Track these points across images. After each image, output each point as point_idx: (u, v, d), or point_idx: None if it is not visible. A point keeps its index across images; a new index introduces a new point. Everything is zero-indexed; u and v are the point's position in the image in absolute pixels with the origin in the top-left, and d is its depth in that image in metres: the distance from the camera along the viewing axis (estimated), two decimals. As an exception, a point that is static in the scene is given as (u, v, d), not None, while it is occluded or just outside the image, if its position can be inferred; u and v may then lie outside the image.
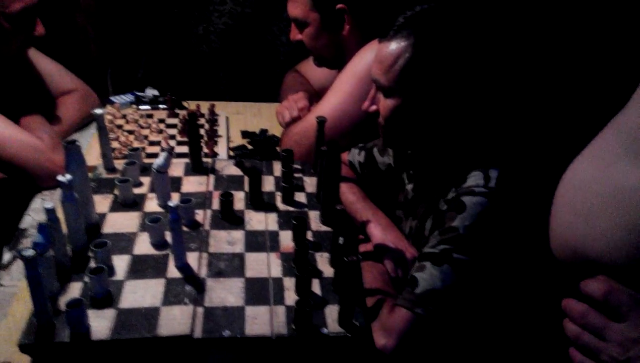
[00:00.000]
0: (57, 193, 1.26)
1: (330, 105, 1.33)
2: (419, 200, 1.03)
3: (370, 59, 1.29)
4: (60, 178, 0.86)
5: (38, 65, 1.48)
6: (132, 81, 2.51)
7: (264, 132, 1.63)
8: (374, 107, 0.98)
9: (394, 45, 0.90)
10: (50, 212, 0.84)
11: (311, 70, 1.72)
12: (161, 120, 1.60)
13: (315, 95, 1.70)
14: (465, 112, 0.92)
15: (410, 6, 0.98)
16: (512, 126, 1.07)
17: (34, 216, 1.22)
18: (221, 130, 1.60)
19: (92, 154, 1.42)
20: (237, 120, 1.73)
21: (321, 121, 1.18)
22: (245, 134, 1.63)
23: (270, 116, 1.74)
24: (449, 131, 0.94)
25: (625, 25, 1.29)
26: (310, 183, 1.19)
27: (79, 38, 2.12)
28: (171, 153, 1.03)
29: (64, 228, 0.90)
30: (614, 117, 0.61)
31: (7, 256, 1.08)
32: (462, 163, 0.92)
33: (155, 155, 1.39)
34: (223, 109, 1.74)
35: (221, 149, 1.49)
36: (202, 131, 1.52)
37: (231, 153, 1.50)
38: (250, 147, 1.55)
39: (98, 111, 1.12)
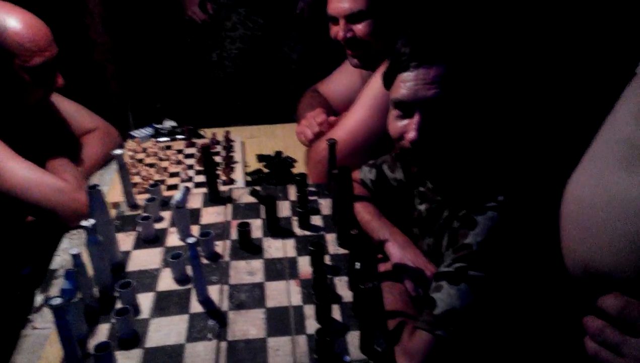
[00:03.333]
0: (84, 233, 1.31)
1: (355, 120, 1.34)
2: (433, 218, 1.03)
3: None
4: (84, 223, 0.90)
5: (58, 107, 1.53)
6: (151, 112, 2.59)
7: (278, 154, 1.66)
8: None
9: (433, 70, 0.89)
10: (76, 258, 0.87)
11: (330, 88, 1.74)
12: (179, 151, 1.64)
13: (333, 112, 1.72)
14: (484, 131, 0.92)
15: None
16: (520, 140, 1.06)
17: (63, 256, 1.26)
18: (237, 155, 1.62)
19: (116, 190, 1.46)
20: (252, 143, 1.76)
21: (332, 143, 1.19)
22: (260, 158, 1.65)
23: (285, 137, 1.76)
24: (468, 150, 0.93)
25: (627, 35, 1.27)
26: (326, 205, 1.21)
27: (97, 76, 2.20)
28: (188, 189, 1.06)
29: (90, 270, 0.94)
30: (603, 126, 0.60)
31: (39, 298, 1.12)
32: (473, 187, 0.92)
33: (175, 187, 1.42)
34: (238, 133, 1.77)
35: (238, 175, 1.52)
36: (218, 158, 1.56)
37: (248, 178, 1.52)
38: (266, 170, 1.58)
39: (118, 151, 1.16)
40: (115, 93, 2.31)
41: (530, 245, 0.86)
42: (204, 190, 1.39)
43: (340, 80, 1.74)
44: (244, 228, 1.05)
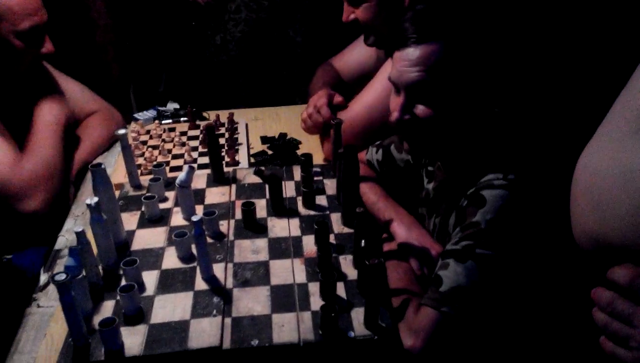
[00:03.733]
0: (88, 214, 1.31)
1: (374, 95, 1.32)
2: (440, 197, 1.02)
3: None
4: (87, 201, 0.90)
5: (63, 87, 1.53)
6: (154, 96, 2.57)
7: (282, 136, 1.64)
8: (407, 116, 0.96)
9: (422, 50, 0.87)
10: (80, 235, 0.87)
11: (343, 61, 1.71)
12: (183, 133, 1.63)
13: (344, 86, 1.69)
14: (486, 114, 0.90)
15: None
16: (528, 118, 1.04)
17: (67, 237, 1.26)
18: (241, 137, 1.62)
19: (120, 172, 1.45)
20: (257, 126, 1.75)
21: (338, 123, 1.18)
22: (264, 140, 1.64)
23: (289, 120, 1.75)
24: (471, 135, 0.92)
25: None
26: (331, 185, 1.20)
27: (99, 58, 2.18)
28: (193, 168, 1.05)
29: (95, 248, 0.93)
30: (619, 97, 0.59)
31: (43, 277, 1.12)
32: (482, 162, 0.90)
33: (179, 168, 1.42)
34: (242, 116, 1.76)
35: (242, 157, 1.51)
36: (222, 141, 1.55)
37: (252, 160, 1.52)
38: (270, 152, 1.57)
39: (121, 131, 1.16)
40: (117, 76, 2.30)
41: (539, 224, 0.85)
42: (208, 171, 1.39)
43: (354, 54, 1.71)
44: (249, 208, 1.04)
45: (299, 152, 1.54)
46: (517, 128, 0.95)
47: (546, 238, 0.86)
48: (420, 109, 0.92)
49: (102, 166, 0.96)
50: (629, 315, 0.53)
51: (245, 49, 2.45)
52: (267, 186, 1.16)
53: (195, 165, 1.44)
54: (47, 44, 1.29)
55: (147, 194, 1.11)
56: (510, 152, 0.91)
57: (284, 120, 1.78)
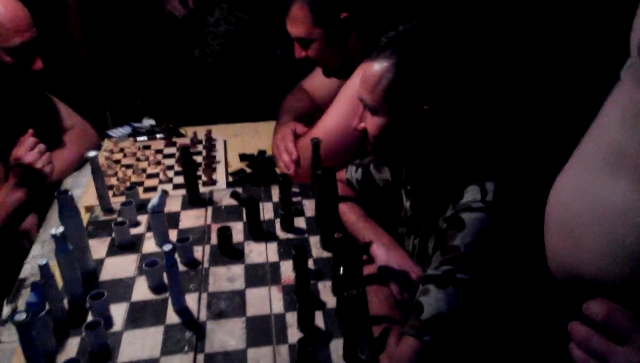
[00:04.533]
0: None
1: (332, 119, 1.31)
2: (418, 217, 1.00)
3: None
4: (52, 231, 0.85)
5: (42, 102, 1.49)
6: (130, 109, 2.52)
7: (261, 153, 1.61)
8: (362, 125, 0.96)
9: (378, 65, 0.88)
10: (44, 269, 0.82)
11: (315, 85, 1.70)
12: (159, 151, 1.58)
13: (317, 110, 1.68)
14: (453, 126, 0.89)
15: (404, 18, 0.95)
16: (504, 136, 1.03)
17: (33, 264, 1.20)
18: (219, 155, 1.58)
19: (91, 193, 1.40)
20: (235, 142, 1.71)
21: (316, 143, 1.15)
22: (243, 157, 1.60)
23: (268, 135, 1.71)
24: (439, 146, 0.91)
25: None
26: (310, 206, 1.17)
27: (75, 72, 2.12)
28: (166, 193, 1.01)
29: (60, 280, 0.89)
30: (589, 129, 0.58)
31: (6, 309, 1.07)
32: (457, 177, 0.89)
33: (154, 189, 1.37)
34: (221, 132, 1.72)
35: (220, 175, 1.47)
36: (199, 158, 1.51)
37: (230, 178, 1.48)
38: (249, 170, 1.53)
39: (91, 154, 1.11)
40: (93, 89, 2.24)
41: (517, 247, 0.84)
42: (183, 191, 1.35)
43: (321, 77, 1.70)
44: (225, 234, 1.00)
45: (278, 170, 1.51)
46: (485, 141, 0.94)
47: (524, 261, 0.84)
48: (368, 119, 0.93)
49: (69, 193, 0.91)
50: (604, 353, 0.52)
51: (224, 62, 2.42)
52: (241, 207, 1.13)
53: (168, 190, 1.39)
54: (37, 62, 1.28)
55: (118, 220, 1.07)
56: (486, 173, 0.89)
57: (264, 136, 1.75)
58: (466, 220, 0.82)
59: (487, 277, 0.80)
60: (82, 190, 1.45)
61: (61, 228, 0.86)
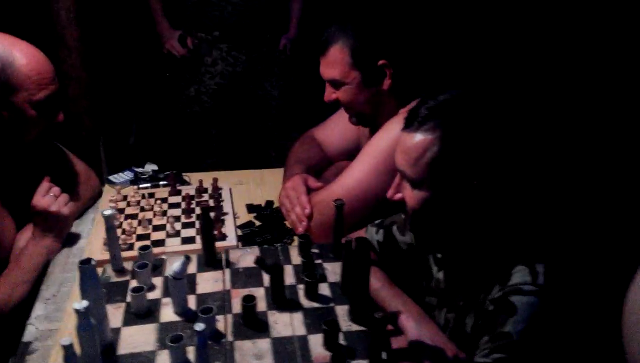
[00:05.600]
0: (60, 296, 1.19)
1: (355, 177, 1.30)
2: (454, 291, 0.98)
3: (397, 133, 1.27)
4: (76, 305, 0.80)
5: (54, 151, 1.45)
6: (124, 148, 2.47)
7: (269, 204, 1.58)
8: (399, 196, 0.94)
9: (420, 138, 0.87)
10: (68, 350, 0.77)
11: (328, 135, 1.68)
12: (163, 200, 1.53)
13: (327, 161, 1.66)
14: (501, 204, 0.88)
15: (439, 71, 0.96)
16: (553, 214, 1.03)
17: (37, 325, 1.13)
18: (226, 205, 1.54)
19: (94, 244, 1.34)
20: (240, 191, 1.68)
21: (339, 205, 1.13)
22: (251, 208, 1.57)
23: (275, 184, 1.69)
24: (485, 224, 0.89)
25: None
26: (332, 270, 1.13)
27: (70, 110, 2.07)
28: (189, 259, 0.97)
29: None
30: None
31: (12, 383, 0.99)
32: (503, 256, 0.88)
33: (161, 242, 1.32)
34: (224, 179, 1.68)
35: (229, 229, 1.42)
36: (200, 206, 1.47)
37: (239, 232, 1.44)
38: (257, 223, 1.50)
39: (107, 212, 1.06)
40: (88, 128, 2.19)
41: (571, 333, 0.82)
42: (193, 246, 1.30)
43: (336, 127, 1.69)
44: (250, 303, 0.96)
45: (288, 224, 1.47)
46: (534, 220, 0.94)
47: (577, 348, 0.83)
48: (407, 191, 0.91)
49: (93, 262, 0.86)
50: None
51: (219, 101, 2.41)
52: (261, 271, 1.09)
53: (178, 241, 1.35)
54: (60, 114, 1.26)
55: (135, 285, 1.01)
56: (531, 247, 0.88)
57: (269, 184, 1.72)
58: (517, 305, 0.80)
59: None
60: (85, 241, 1.39)
61: (85, 303, 0.81)
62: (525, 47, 1.65)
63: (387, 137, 1.30)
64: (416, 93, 1.36)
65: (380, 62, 1.29)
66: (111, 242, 1.09)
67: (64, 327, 1.09)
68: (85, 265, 0.85)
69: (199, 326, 0.78)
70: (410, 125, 0.90)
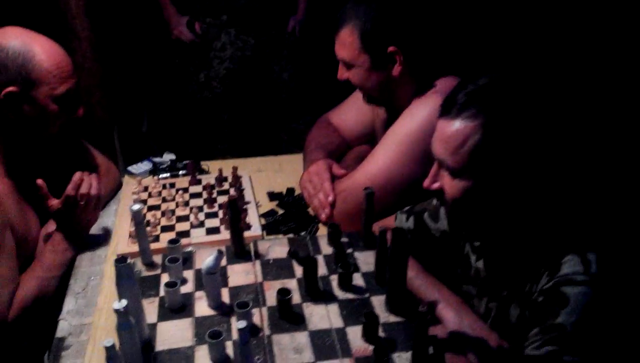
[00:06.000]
0: (90, 290, 1.18)
1: (380, 164, 1.27)
2: (496, 280, 0.95)
3: (424, 117, 1.23)
4: (115, 305, 0.79)
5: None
6: (137, 136, 2.44)
7: (290, 192, 1.56)
8: (436, 185, 0.91)
9: (460, 125, 0.84)
10: (110, 351, 0.76)
11: (344, 120, 1.65)
12: (184, 190, 1.52)
13: (346, 146, 1.63)
14: (548, 190, 0.86)
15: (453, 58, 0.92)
16: (603, 201, 1.00)
17: (70, 320, 1.13)
18: (247, 193, 1.52)
19: (120, 237, 1.33)
20: (260, 179, 1.66)
21: (370, 193, 1.11)
22: (272, 196, 1.55)
23: (293, 171, 1.66)
24: (530, 212, 0.87)
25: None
26: (364, 260, 1.12)
27: (84, 101, 2.05)
28: (222, 253, 0.95)
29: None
30: None
31: (49, 380, 0.99)
32: (551, 245, 0.85)
33: (186, 234, 1.31)
34: (243, 167, 1.66)
35: (252, 219, 1.41)
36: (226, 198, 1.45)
37: (262, 221, 1.42)
38: (280, 211, 1.48)
39: (135, 207, 1.05)
40: (101, 119, 2.16)
41: (626, 324, 0.80)
42: (218, 237, 1.29)
43: (350, 111, 1.66)
44: (285, 297, 0.95)
45: (310, 211, 1.46)
46: (584, 207, 0.91)
47: (633, 339, 0.81)
48: (446, 181, 0.88)
49: (129, 261, 0.85)
50: None
51: (229, 86, 2.38)
52: (296, 264, 1.08)
53: (202, 231, 1.33)
54: (80, 108, 1.25)
55: (168, 280, 1.00)
56: (582, 235, 0.85)
57: (288, 171, 1.70)
58: (569, 295, 0.78)
59: (595, 359, 0.77)
60: (109, 234, 1.38)
61: (124, 303, 0.79)
62: (544, 30, 1.60)
63: (412, 122, 1.27)
64: (435, 75, 1.34)
65: (391, 48, 1.26)
66: (140, 236, 1.08)
67: (96, 320, 1.08)
68: (122, 264, 0.84)
69: (241, 323, 0.77)
70: (448, 112, 0.87)
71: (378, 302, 1.00)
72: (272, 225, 1.40)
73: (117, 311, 0.79)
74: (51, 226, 1.30)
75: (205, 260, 0.96)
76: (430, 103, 1.23)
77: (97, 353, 1.01)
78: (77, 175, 1.22)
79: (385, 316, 0.96)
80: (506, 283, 0.93)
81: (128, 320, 0.80)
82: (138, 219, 1.05)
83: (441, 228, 1.11)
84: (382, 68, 1.29)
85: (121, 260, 0.85)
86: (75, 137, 1.41)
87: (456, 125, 0.85)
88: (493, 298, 0.96)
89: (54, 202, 1.20)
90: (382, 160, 1.28)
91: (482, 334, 0.91)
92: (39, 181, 1.19)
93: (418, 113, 1.25)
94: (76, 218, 1.22)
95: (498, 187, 0.84)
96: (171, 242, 1.10)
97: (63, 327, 1.10)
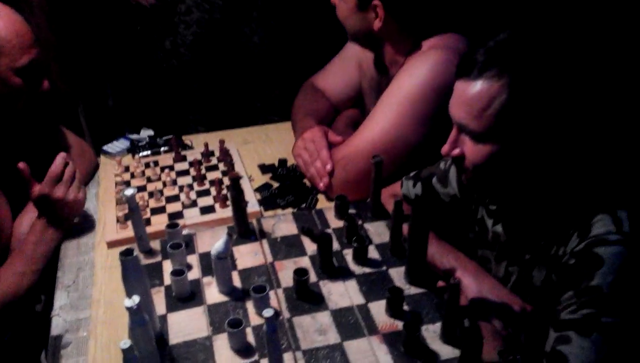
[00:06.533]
0: (81, 282, 1.10)
1: (380, 127, 1.20)
2: (517, 243, 0.93)
3: (424, 75, 1.16)
4: (127, 303, 0.72)
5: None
6: (104, 112, 2.29)
7: (283, 163, 1.49)
8: (457, 151, 0.86)
9: (483, 86, 0.79)
10: (127, 352, 0.69)
11: (328, 82, 1.57)
12: (170, 168, 1.43)
13: (333, 110, 1.56)
14: (575, 149, 0.82)
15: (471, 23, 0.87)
16: (631, 157, 0.97)
17: (64, 316, 1.05)
18: (238, 167, 1.44)
19: (105, 220, 1.24)
20: (248, 151, 1.57)
21: (378, 162, 1.06)
22: (264, 169, 1.48)
23: (282, 141, 1.59)
24: (558, 173, 0.84)
25: None
26: (375, 231, 1.08)
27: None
28: (231, 236, 0.89)
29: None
30: None
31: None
32: (579, 205, 0.83)
33: (179, 215, 1.23)
34: (228, 139, 1.57)
35: (248, 193, 1.33)
36: (217, 174, 1.37)
37: (258, 196, 1.36)
38: (275, 184, 1.41)
39: (128, 192, 0.96)
40: (64, 94, 2.00)
41: None
42: (214, 216, 1.21)
43: (337, 74, 1.58)
44: (302, 277, 0.90)
45: (307, 182, 1.40)
46: (612, 164, 0.88)
47: None
48: (468, 146, 0.84)
49: (135, 254, 0.77)
50: None
51: (198, 52, 2.24)
52: (306, 240, 1.03)
53: (196, 211, 1.26)
54: (45, 82, 1.14)
55: (174, 269, 0.93)
56: (612, 194, 0.83)
57: (277, 141, 1.62)
58: (604, 256, 0.76)
59: (635, 318, 0.76)
60: (93, 219, 1.28)
61: (137, 299, 0.73)
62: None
63: (412, 80, 1.20)
64: (431, 33, 1.27)
65: (375, 1, 1.18)
66: (136, 222, 1.00)
67: (94, 315, 1.01)
68: (128, 257, 0.76)
69: (268, 312, 0.72)
70: (468, 72, 0.81)
71: (397, 274, 0.96)
72: (268, 199, 1.33)
73: (129, 309, 0.72)
74: (29, 213, 1.19)
75: (214, 244, 0.89)
76: (430, 59, 1.17)
77: (101, 350, 0.94)
78: (61, 155, 1.12)
79: (407, 288, 0.93)
80: (529, 246, 0.90)
81: (142, 317, 0.74)
82: (132, 204, 0.97)
83: (451, 192, 1.07)
84: (364, 15, 1.22)
85: (127, 252, 0.77)
86: (45, 115, 1.28)
87: (478, 87, 0.79)
88: (513, 261, 0.93)
89: (37, 187, 1.09)
90: (382, 123, 1.21)
91: (504, 298, 0.89)
92: (21, 164, 1.08)
93: (417, 71, 1.19)
94: (61, 203, 1.12)
95: (525, 149, 0.80)
96: (170, 226, 1.02)
97: (58, 324, 1.02)
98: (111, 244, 1.16)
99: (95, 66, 2.25)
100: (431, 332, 0.85)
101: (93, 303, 1.04)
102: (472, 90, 0.80)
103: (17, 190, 1.19)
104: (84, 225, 1.27)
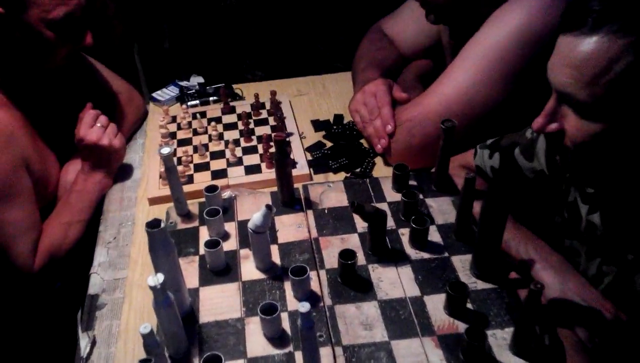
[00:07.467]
0: (122, 239, 1.05)
1: (457, 85, 1.03)
2: (617, 238, 0.76)
3: (517, 24, 0.97)
4: (150, 281, 0.64)
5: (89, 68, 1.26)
6: (159, 54, 2.23)
7: (339, 119, 1.35)
8: (554, 126, 0.69)
9: (600, 45, 0.61)
10: (148, 338, 0.62)
11: (397, 29, 1.38)
12: (217, 120, 1.33)
13: (403, 61, 1.38)
14: None
15: None
16: None
17: (102, 274, 1.01)
18: (289, 123, 1.32)
19: (150, 177, 1.17)
20: (301, 104, 1.44)
21: (450, 128, 0.90)
22: (317, 126, 1.35)
23: (340, 93, 1.45)
24: None
25: None
26: (438, 208, 0.93)
27: (98, 16, 1.82)
28: (271, 208, 0.78)
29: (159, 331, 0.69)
30: None
31: (83, 343, 0.88)
32: None
33: (222, 173, 1.14)
34: (280, 89, 1.45)
35: (297, 154, 1.22)
36: (265, 129, 1.26)
37: (308, 156, 1.24)
38: (328, 143, 1.28)
39: (165, 151, 0.87)
40: (119, 34, 1.94)
41: None
42: (259, 177, 1.11)
43: (410, 19, 1.38)
44: (349, 261, 0.79)
45: (365, 142, 1.26)
46: None
47: None
48: (571, 121, 0.67)
49: (163, 225, 0.68)
50: None
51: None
52: (357, 217, 0.90)
53: (240, 170, 1.16)
54: (87, 37, 1.05)
55: (209, 239, 0.85)
56: None
57: (334, 94, 1.48)
58: None
59: None
60: (138, 172, 1.22)
61: (161, 277, 0.64)
62: None
63: (501, 29, 0.99)
64: None
65: None
66: (173, 184, 0.91)
67: (130, 276, 0.96)
68: (155, 230, 0.68)
69: (304, 306, 0.61)
70: (578, 25, 0.63)
71: (461, 263, 0.82)
72: (320, 160, 1.21)
73: (153, 288, 0.64)
74: (75, 163, 1.15)
75: (252, 216, 0.79)
76: (525, 5, 0.97)
77: (133, 315, 0.89)
78: (89, 116, 1.09)
79: (471, 282, 0.79)
80: (634, 244, 0.73)
81: (167, 297, 0.66)
82: (169, 164, 0.88)
83: (537, 168, 0.90)
84: None
85: (153, 224, 0.68)
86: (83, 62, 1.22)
87: (593, 45, 0.61)
88: (610, 260, 0.77)
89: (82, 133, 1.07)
90: (462, 79, 1.02)
91: (592, 302, 0.74)
92: (89, 104, 1.07)
93: (508, 19, 0.98)
94: (97, 148, 1.08)
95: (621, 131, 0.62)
96: (208, 189, 0.93)
97: (95, 282, 0.98)
98: (153, 201, 1.10)
99: (153, 5, 2.17)
100: (499, 340, 0.71)
101: (131, 264, 0.99)
102: (584, 50, 0.62)
103: (62, 140, 1.15)
104: (127, 177, 1.21)
